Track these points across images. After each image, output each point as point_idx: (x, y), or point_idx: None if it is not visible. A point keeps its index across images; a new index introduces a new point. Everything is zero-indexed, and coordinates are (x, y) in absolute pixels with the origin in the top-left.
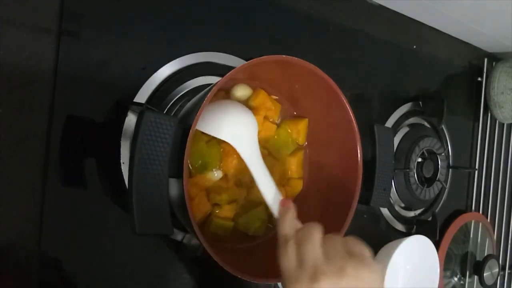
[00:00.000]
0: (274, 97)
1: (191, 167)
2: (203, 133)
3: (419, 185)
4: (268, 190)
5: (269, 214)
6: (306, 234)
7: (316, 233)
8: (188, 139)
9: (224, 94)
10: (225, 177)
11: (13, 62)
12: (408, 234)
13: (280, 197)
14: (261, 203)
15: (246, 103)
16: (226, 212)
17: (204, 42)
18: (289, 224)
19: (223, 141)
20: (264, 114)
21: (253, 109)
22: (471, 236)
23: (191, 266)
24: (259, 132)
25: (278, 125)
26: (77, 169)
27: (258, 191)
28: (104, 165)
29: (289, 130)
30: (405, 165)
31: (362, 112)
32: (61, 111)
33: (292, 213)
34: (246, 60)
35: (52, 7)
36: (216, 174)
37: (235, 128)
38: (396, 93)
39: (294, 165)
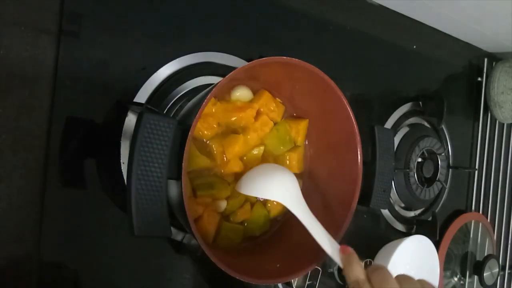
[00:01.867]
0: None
1: (194, 189)
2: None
3: (419, 185)
4: (324, 240)
5: (268, 208)
6: (382, 277)
7: (390, 275)
8: (187, 141)
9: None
10: (228, 185)
11: (13, 62)
12: (408, 234)
13: (336, 244)
14: (257, 200)
15: (248, 103)
16: (241, 215)
17: (204, 42)
18: (358, 268)
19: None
20: (265, 113)
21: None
22: (471, 236)
23: (191, 266)
24: (255, 131)
25: (278, 122)
26: (77, 169)
27: None
28: (104, 165)
29: (288, 128)
30: (405, 165)
31: (362, 112)
32: (61, 111)
33: (357, 258)
34: (246, 60)
35: (52, 7)
36: (222, 205)
37: (285, 189)
38: (396, 93)
39: (294, 161)
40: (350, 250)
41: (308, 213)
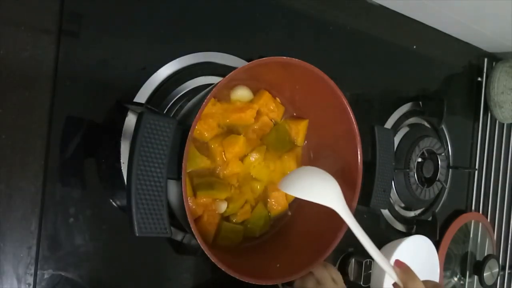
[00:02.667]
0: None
1: (194, 189)
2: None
3: (419, 185)
4: (376, 252)
5: (269, 209)
6: None
7: None
8: (187, 140)
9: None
10: (229, 186)
11: (13, 62)
12: (408, 234)
13: (383, 256)
14: (258, 200)
15: (248, 104)
16: (241, 215)
17: (204, 42)
18: (421, 285)
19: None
20: (265, 113)
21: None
22: (471, 236)
23: (191, 266)
24: (255, 131)
25: (278, 122)
26: (77, 169)
27: (248, 189)
28: (104, 165)
29: (287, 128)
30: (405, 165)
31: (362, 112)
32: (61, 111)
33: (414, 272)
34: (246, 60)
35: (52, 7)
36: (223, 206)
37: (337, 196)
38: (396, 93)
39: (294, 161)
40: (406, 264)
41: (356, 222)
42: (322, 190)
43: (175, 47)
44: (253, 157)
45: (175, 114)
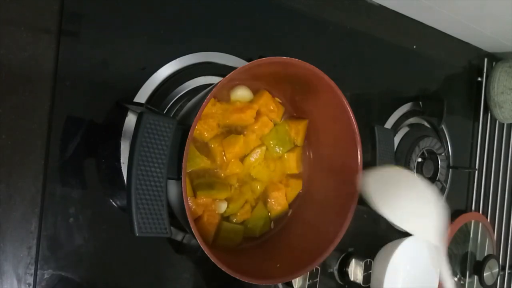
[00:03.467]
0: (278, 100)
1: (194, 189)
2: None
3: None
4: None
5: (269, 209)
6: None
7: None
8: (187, 140)
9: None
10: (228, 186)
11: (13, 62)
12: (408, 234)
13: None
14: (258, 200)
15: (248, 104)
16: (241, 215)
17: (204, 42)
18: None
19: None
20: (265, 113)
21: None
22: (471, 236)
23: (191, 266)
24: (255, 132)
25: (278, 122)
26: (77, 169)
27: (248, 189)
28: (104, 165)
29: (287, 128)
30: (405, 165)
31: (362, 112)
32: (61, 111)
33: None
34: (246, 60)
35: (52, 7)
36: (223, 206)
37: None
38: (396, 93)
39: (294, 161)
40: None
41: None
42: (424, 220)
43: (175, 47)
44: (253, 157)
45: (175, 114)
